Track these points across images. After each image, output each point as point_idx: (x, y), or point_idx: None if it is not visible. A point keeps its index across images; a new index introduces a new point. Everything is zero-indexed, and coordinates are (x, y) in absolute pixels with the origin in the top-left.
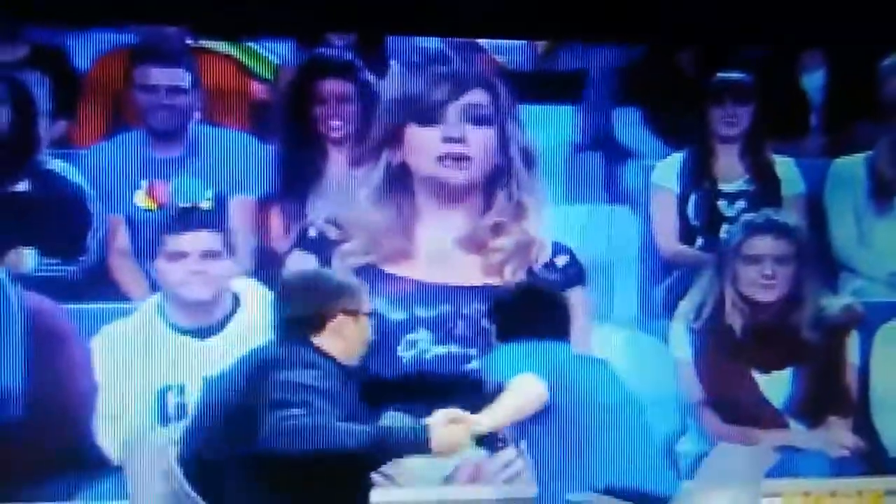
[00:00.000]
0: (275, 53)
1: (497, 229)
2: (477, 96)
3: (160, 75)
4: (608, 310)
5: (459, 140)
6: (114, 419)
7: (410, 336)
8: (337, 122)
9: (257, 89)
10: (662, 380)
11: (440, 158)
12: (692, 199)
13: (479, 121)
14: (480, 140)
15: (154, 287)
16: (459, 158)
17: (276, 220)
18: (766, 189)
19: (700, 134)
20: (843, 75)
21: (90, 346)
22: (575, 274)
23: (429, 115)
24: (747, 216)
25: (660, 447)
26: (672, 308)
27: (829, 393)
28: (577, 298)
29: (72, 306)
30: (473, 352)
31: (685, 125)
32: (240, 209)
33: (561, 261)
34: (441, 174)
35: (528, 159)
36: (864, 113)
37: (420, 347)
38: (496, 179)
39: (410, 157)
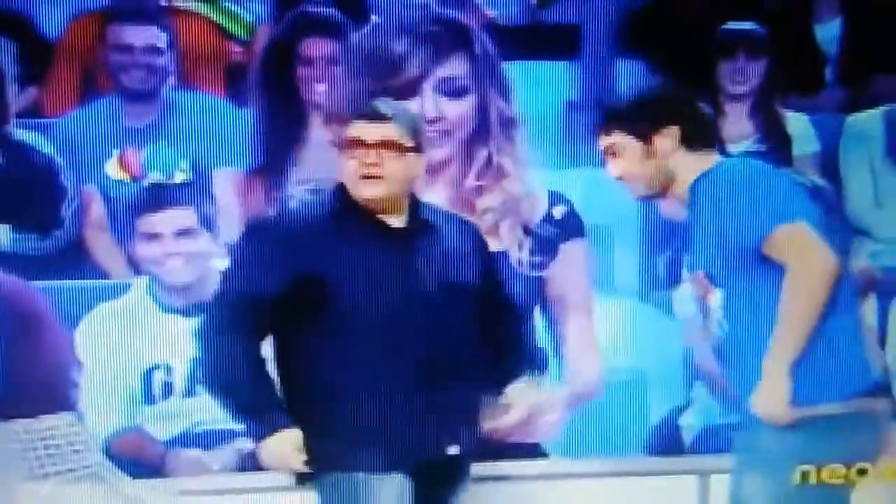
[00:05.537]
0: (251, 11)
1: (480, 190)
2: (453, 67)
3: (135, 34)
4: (608, 281)
5: (436, 120)
6: (100, 400)
7: None
8: (322, 86)
9: (233, 51)
10: (666, 352)
11: None
12: None
13: (455, 93)
14: (457, 112)
15: (132, 263)
16: (437, 135)
17: (256, 191)
18: (777, 149)
19: (707, 90)
20: (859, 25)
21: (71, 325)
22: (574, 225)
23: (401, 92)
24: None
25: None
26: (676, 279)
27: None
28: (576, 252)
29: (49, 283)
30: None
31: (691, 81)
32: (221, 181)
33: (559, 212)
34: None
35: (508, 125)
36: (882, 65)
37: None
38: (474, 146)
39: None
